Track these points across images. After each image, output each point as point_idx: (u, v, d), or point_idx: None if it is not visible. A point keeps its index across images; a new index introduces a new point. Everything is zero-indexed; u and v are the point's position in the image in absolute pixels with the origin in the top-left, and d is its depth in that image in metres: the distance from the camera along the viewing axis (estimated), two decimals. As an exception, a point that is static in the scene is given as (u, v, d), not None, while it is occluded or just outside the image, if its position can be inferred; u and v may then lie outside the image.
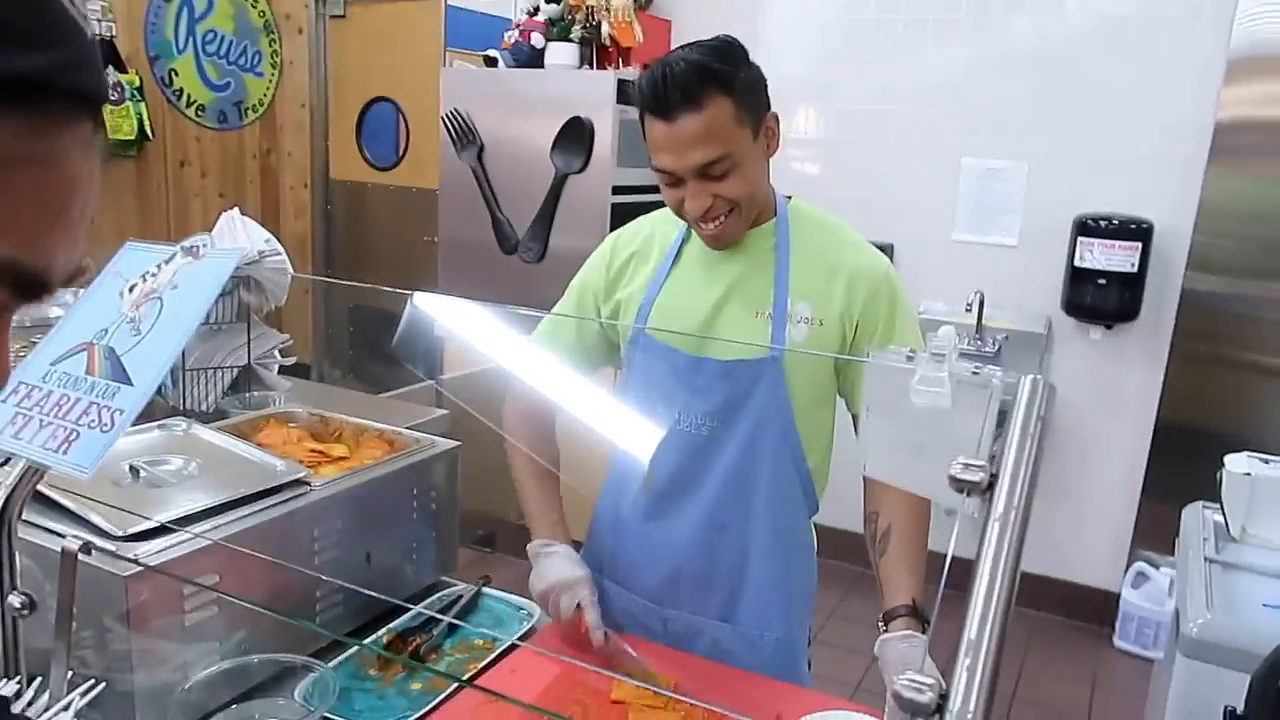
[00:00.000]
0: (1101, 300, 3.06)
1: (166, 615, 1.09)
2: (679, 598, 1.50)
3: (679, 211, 1.37)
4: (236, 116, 5.14)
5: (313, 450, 1.51)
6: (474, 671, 1.29)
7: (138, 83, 4.52)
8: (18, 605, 0.86)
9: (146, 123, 4.54)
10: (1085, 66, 3.15)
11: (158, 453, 1.36)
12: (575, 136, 3.21)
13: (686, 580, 1.49)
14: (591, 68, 3.37)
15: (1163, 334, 3.12)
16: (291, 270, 2.08)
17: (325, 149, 5.36)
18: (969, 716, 0.52)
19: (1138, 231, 2.99)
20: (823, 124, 3.62)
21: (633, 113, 3.24)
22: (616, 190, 3.27)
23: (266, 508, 1.26)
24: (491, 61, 3.45)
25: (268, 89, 5.28)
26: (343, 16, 5.22)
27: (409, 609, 1.40)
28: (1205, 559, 1.83)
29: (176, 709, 1.04)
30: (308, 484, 1.32)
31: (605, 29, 3.32)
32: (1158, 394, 3.13)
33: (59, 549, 0.83)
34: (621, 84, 3.19)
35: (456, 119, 3.41)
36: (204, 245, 0.98)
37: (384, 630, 1.36)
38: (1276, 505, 1.87)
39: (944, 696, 0.54)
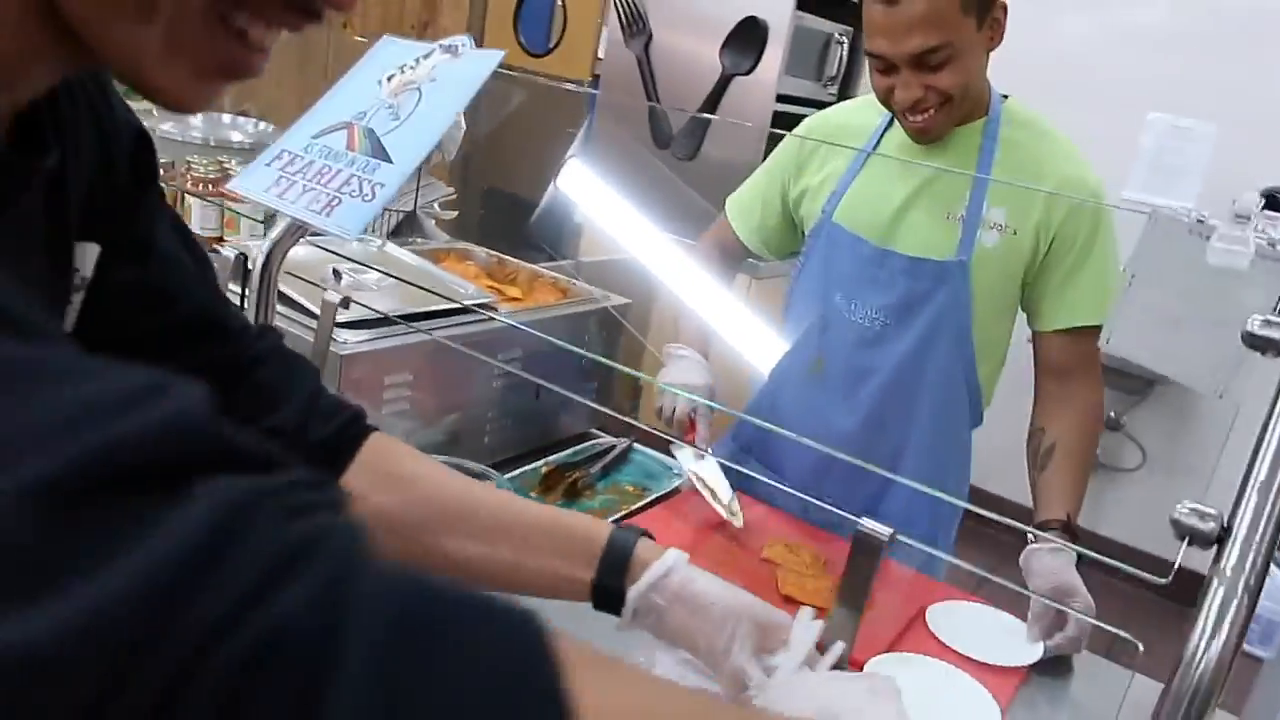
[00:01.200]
0: None
1: (367, 401, 1.16)
2: (826, 488, 1.52)
3: (886, 100, 1.34)
4: (400, -16, 5.19)
5: (489, 287, 1.56)
6: (624, 512, 1.33)
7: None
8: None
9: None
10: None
11: (360, 259, 1.42)
12: (747, 37, 3.15)
13: (837, 472, 1.50)
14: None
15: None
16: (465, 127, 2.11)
17: (481, 28, 5.38)
18: (1255, 544, 0.52)
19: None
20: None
21: (809, 20, 3.18)
22: (781, 98, 3.22)
23: (456, 324, 1.31)
24: (671, -49, 3.39)
25: (437, -38, 5.30)
26: (518, -106, 5.16)
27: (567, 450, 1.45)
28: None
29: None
30: (494, 310, 1.37)
31: (793, -70, 3.22)
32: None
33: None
34: (809, -11, 3.11)
35: (628, 5, 3.38)
36: (462, 45, 1.00)
37: (543, 461, 1.42)
38: None
39: (1225, 529, 0.54)
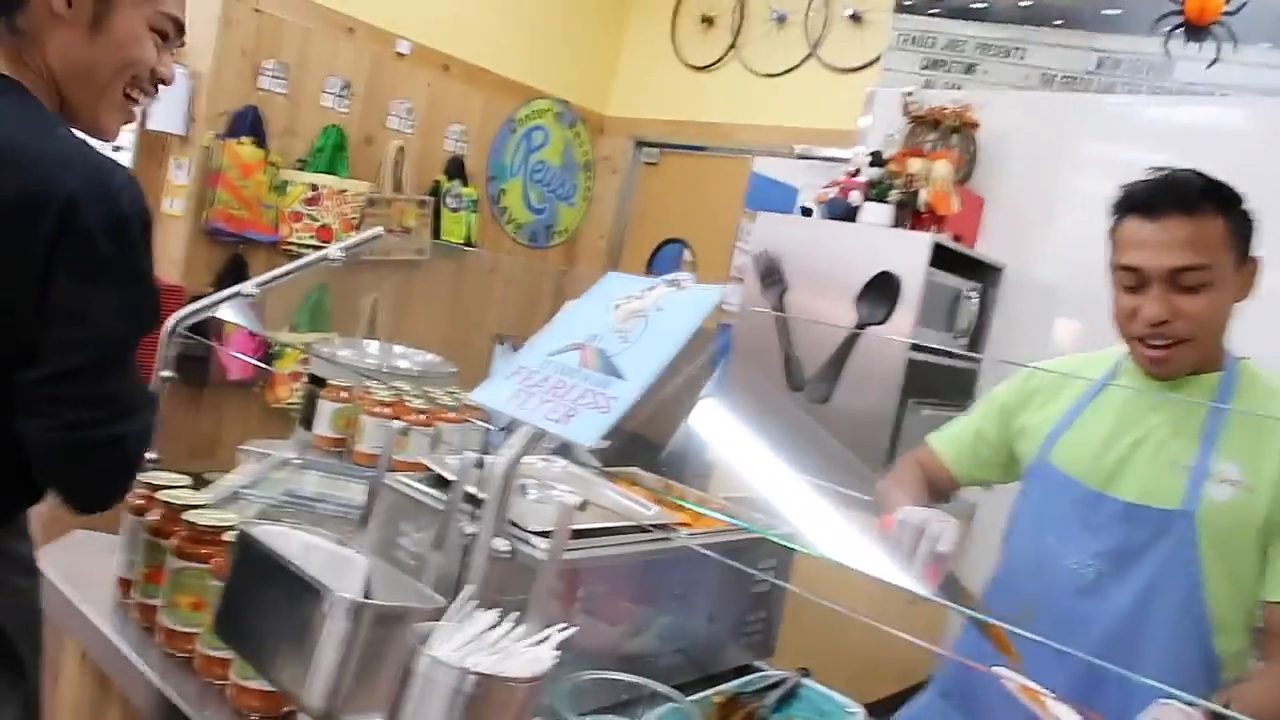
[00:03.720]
0: None
1: (558, 612, 1.18)
2: None
3: (1126, 326, 1.29)
4: (545, 238, 5.66)
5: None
6: (802, 753, 1.28)
7: (475, 196, 5.11)
8: (503, 549, 0.96)
9: (474, 231, 5.10)
10: None
11: (541, 478, 1.49)
12: (882, 289, 3.30)
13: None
14: (902, 228, 3.48)
15: None
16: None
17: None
18: None
19: None
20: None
21: (940, 275, 3.32)
22: (915, 348, 3.31)
23: (638, 542, 1.34)
24: (807, 212, 3.64)
25: (576, 218, 5.81)
26: (655, 164, 5.70)
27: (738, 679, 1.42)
28: None
29: (561, 698, 1.10)
30: (675, 530, 1.40)
31: (923, 196, 3.45)
32: None
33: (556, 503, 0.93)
34: (937, 247, 3.28)
35: (766, 259, 3.60)
36: (685, 280, 1.11)
37: (714, 690, 1.38)
38: None
39: None
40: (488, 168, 5.25)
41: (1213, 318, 1.27)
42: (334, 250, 1.68)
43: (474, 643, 0.88)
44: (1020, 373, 1.55)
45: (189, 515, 1.23)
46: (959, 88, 4.00)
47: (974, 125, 3.73)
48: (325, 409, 2.20)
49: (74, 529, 1.65)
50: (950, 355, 3.57)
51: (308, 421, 2.29)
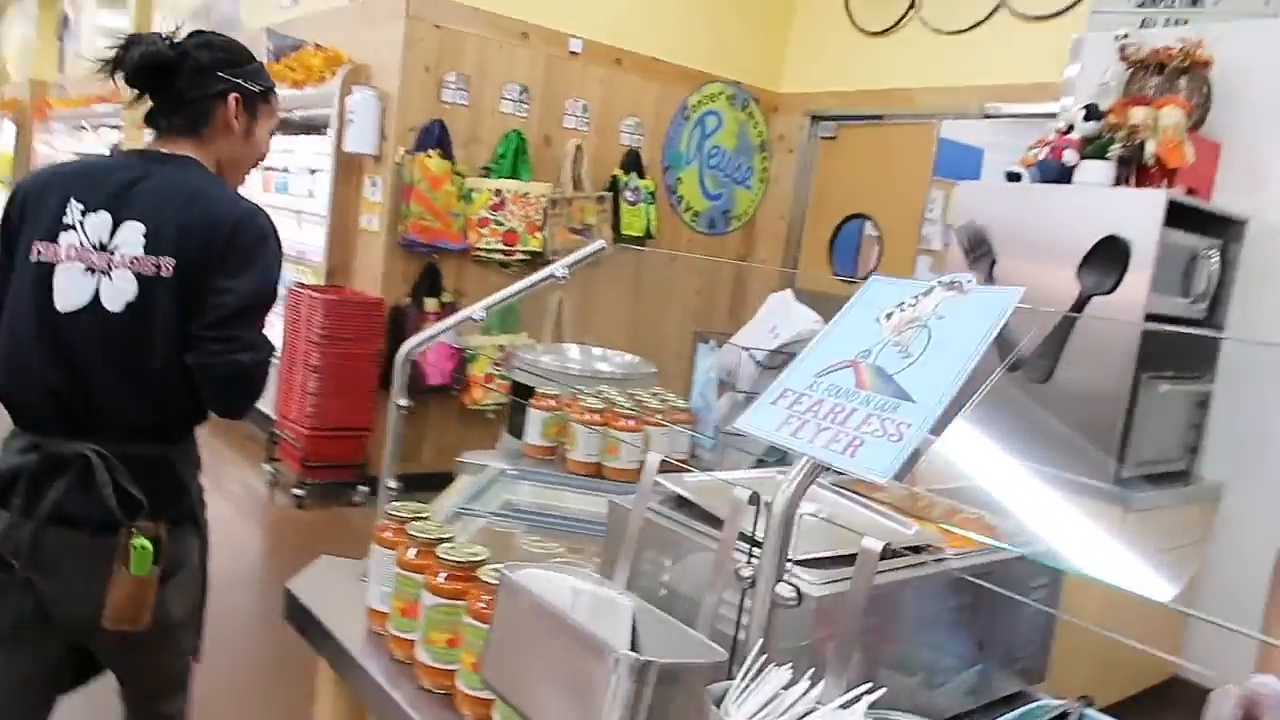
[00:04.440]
0: None
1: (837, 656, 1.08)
2: None
3: None
4: (723, 224, 5.56)
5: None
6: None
7: (652, 188, 5.07)
8: (787, 595, 0.88)
9: (652, 223, 5.06)
10: None
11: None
12: (1109, 255, 3.01)
13: None
14: (1127, 186, 3.16)
15: None
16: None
17: (794, 259, 5.60)
18: None
19: None
20: None
21: (1175, 236, 2.99)
22: (1150, 317, 3.00)
23: (905, 566, 1.22)
24: (1014, 177, 3.37)
25: (753, 201, 5.67)
26: (833, 138, 5.48)
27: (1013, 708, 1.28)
28: None
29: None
30: (942, 551, 1.27)
31: (1150, 148, 3.11)
32: None
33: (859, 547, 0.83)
34: (1172, 205, 2.95)
35: (971, 230, 3.36)
36: (966, 281, 0.98)
37: (998, 725, 1.25)
38: None
39: None
40: (663, 157, 5.19)
41: None
42: (559, 268, 1.64)
43: (773, 703, 0.80)
44: None
45: (442, 552, 1.21)
46: (1184, 22, 3.60)
47: (1205, 64, 3.33)
48: (535, 418, 2.20)
49: (321, 555, 1.69)
50: (1190, 324, 3.22)
51: (516, 429, 2.29)
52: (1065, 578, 1.46)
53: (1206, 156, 3.35)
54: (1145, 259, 2.97)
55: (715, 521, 1.15)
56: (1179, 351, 3.24)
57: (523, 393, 2.31)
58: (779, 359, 2.11)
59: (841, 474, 0.89)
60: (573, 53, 4.71)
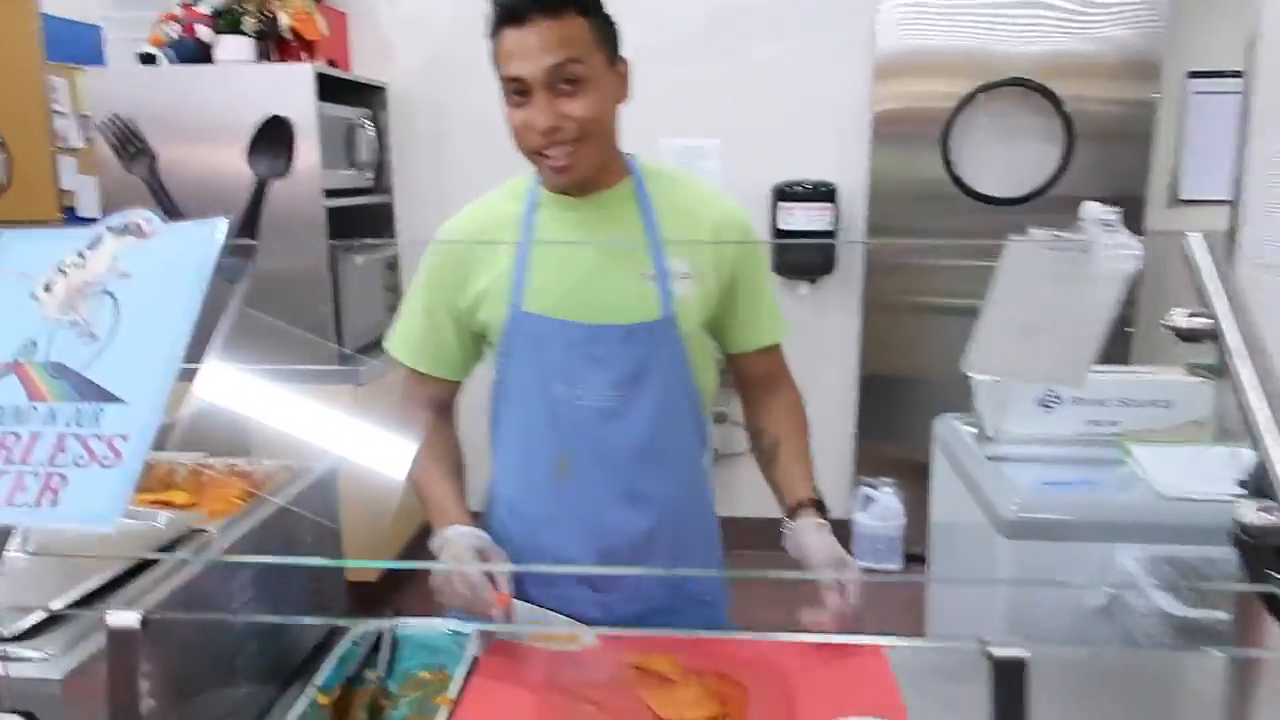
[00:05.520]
0: (805, 258, 3.39)
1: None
2: (605, 579, 1.43)
3: (523, 138, 1.30)
4: None
5: (153, 502, 1.22)
6: (445, 708, 1.12)
7: None
8: None
9: None
10: (757, 50, 3.46)
11: None
12: (274, 136, 2.89)
13: (611, 557, 1.42)
14: (271, 61, 3.06)
15: (855, 285, 3.53)
16: None
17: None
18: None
19: (827, 194, 3.34)
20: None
21: (330, 109, 3.01)
22: (330, 193, 3.02)
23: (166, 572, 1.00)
24: (149, 59, 3.00)
25: None
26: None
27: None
28: (986, 458, 2.10)
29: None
30: (208, 528, 1.07)
31: (284, 21, 3.04)
32: (858, 339, 3.54)
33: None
34: (322, 79, 2.94)
35: (117, 126, 2.91)
36: (147, 221, 0.75)
37: (315, 686, 1.14)
38: (1022, 406, 2.20)
39: None
40: None
41: (599, 114, 1.32)
42: None
43: None
44: (439, 250, 1.45)
45: None
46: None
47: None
48: None
49: None
50: (365, 193, 3.33)
51: None
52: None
53: (338, 27, 3.41)
54: (309, 135, 2.94)
55: None
56: (358, 221, 3.36)
57: None
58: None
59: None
60: None
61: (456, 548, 1.29)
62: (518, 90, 1.27)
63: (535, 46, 1.24)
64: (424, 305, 1.44)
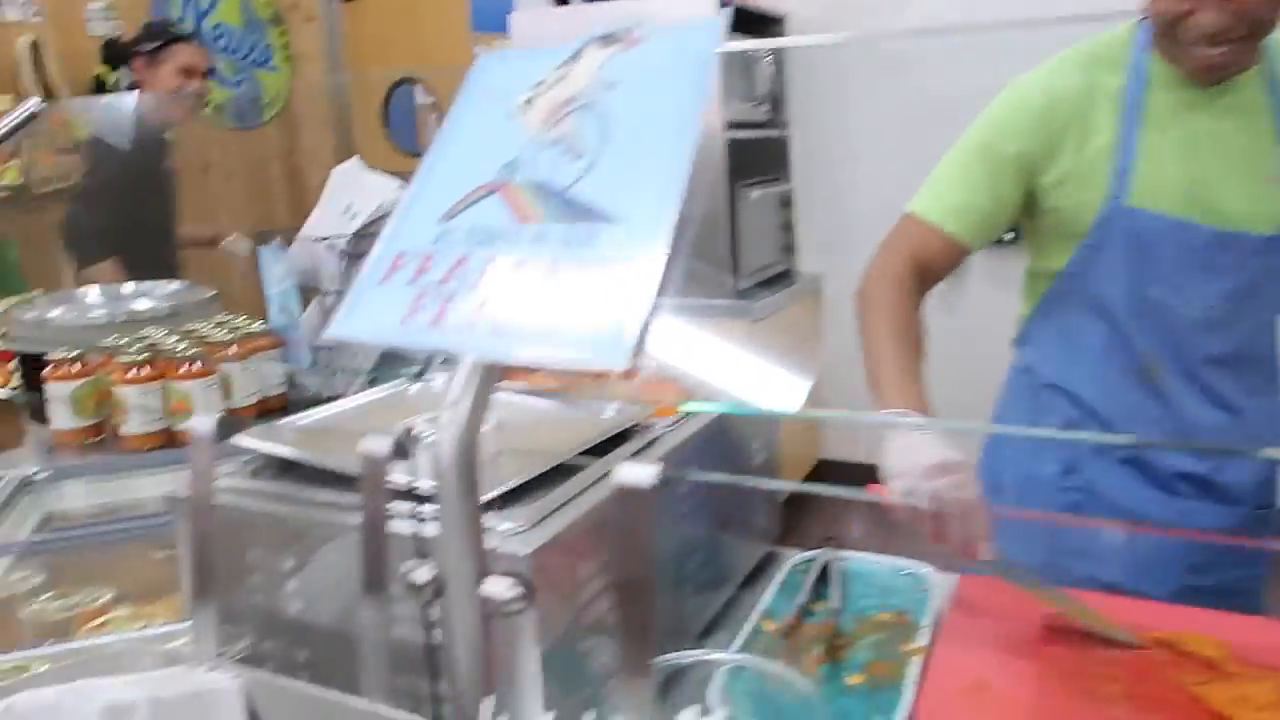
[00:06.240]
0: None
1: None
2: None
3: (1170, 29, 1.11)
4: (254, 115, 4.77)
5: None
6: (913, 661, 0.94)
7: (151, 83, 4.13)
8: (502, 597, 0.51)
9: (166, 126, 4.15)
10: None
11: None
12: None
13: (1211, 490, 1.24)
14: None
15: None
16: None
17: (348, 144, 4.99)
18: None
19: None
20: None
21: (733, 40, 2.90)
22: (730, 125, 2.93)
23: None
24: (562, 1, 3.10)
25: (283, 83, 4.91)
26: (354, -1, 4.85)
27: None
28: None
29: None
30: (651, 428, 0.98)
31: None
32: None
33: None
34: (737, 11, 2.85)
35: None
36: (632, 29, 0.63)
37: (759, 612, 1.01)
38: None
39: None
40: (154, 45, 4.24)
41: (1276, 12, 1.09)
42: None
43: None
44: (1024, 108, 1.22)
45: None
46: None
47: None
48: (58, 393, 1.64)
49: None
50: (757, 130, 3.21)
51: (40, 413, 1.67)
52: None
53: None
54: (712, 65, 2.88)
55: (345, 481, 0.74)
56: (755, 156, 3.25)
57: (34, 365, 1.69)
58: (365, 244, 1.68)
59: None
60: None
61: (916, 442, 1.01)
62: None
63: None
64: (979, 159, 1.24)
